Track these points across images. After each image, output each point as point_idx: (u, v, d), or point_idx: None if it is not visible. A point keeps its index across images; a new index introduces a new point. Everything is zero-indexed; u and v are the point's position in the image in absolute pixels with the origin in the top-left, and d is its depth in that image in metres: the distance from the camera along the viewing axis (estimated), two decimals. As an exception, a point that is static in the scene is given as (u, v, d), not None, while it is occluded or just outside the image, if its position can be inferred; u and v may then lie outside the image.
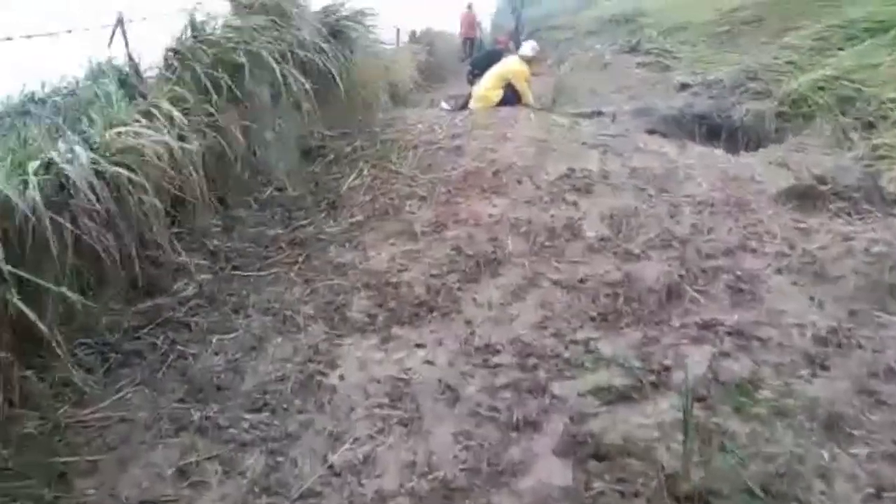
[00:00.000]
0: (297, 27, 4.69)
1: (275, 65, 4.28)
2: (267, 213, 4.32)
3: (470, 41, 20.06)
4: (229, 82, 3.99)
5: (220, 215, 4.12)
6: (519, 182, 4.33)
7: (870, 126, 5.50)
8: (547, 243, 3.73)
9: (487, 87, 7.69)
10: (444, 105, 8.20)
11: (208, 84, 3.90)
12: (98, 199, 2.69)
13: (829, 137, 5.73)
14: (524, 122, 5.19)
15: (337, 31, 5.42)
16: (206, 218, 3.97)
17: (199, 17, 4.22)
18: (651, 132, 6.65)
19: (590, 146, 4.73)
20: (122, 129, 3.21)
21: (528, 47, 8.10)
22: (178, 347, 2.87)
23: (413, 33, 18.78)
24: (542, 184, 4.29)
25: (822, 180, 4.34)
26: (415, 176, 4.58)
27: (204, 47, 3.97)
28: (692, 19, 11.93)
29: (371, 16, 6.14)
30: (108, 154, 3.00)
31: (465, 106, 8.02)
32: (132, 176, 2.99)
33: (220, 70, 3.98)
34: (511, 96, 7.60)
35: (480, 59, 14.27)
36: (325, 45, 5.01)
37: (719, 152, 5.06)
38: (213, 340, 2.93)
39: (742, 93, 7.40)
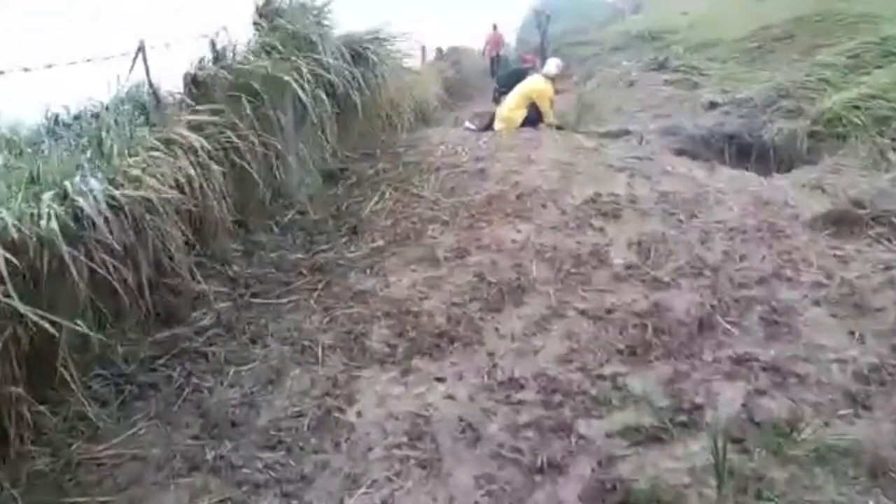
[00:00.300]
0: (319, 51, 4.66)
1: (297, 88, 4.25)
2: (288, 238, 4.29)
3: (496, 59, 20.14)
4: (249, 108, 3.97)
5: (240, 240, 4.10)
6: (543, 206, 4.24)
7: (908, 147, 5.32)
8: (573, 270, 3.62)
9: (511, 107, 7.63)
10: (468, 125, 8.15)
11: (228, 109, 3.88)
12: (111, 232, 2.66)
13: (865, 158, 5.54)
14: (549, 145, 5.10)
15: (359, 53, 5.40)
16: (226, 242, 3.95)
17: (221, 42, 4.21)
18: (679, 152, 6.49)
19: (616, 169, 4.62)
20: (141, 156, 3.19)
21: (552, 64, 8.04)
22: (194, 380, 2.82)
23: (440, 51, 18.86)
24: (567, 208, 4.20)
25: (859, 204, 4.17)
26: (437, 199, 4.52)
27: (225, 73, 3.95)
28: (722, 36, 11.79)
29: (394, 39, 6.14)
30: (125, 183, 2.97)
31: (489, 126, 7.96)
32: (150, 205, 2.96)
33: (241, 95, 3.96)
34: (535, 116, 7.52)
35: (507, 76, 14.22)
36: (347, 69, 4.98)
37: (751, 175, 4.91)
38: (230, 372, 2.87)
39: (773, 111, 7.20)
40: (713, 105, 8.21)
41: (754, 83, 8.59)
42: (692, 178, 4.52)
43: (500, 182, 4.56)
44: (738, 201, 4.23)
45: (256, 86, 4.02)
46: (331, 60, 4.83)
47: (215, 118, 3.81)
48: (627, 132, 7.54)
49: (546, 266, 3.68)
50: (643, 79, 10.69)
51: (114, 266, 2.65)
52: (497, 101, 13.75)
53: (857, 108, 5.99)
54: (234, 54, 4.25)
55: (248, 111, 3.96)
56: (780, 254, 3.68)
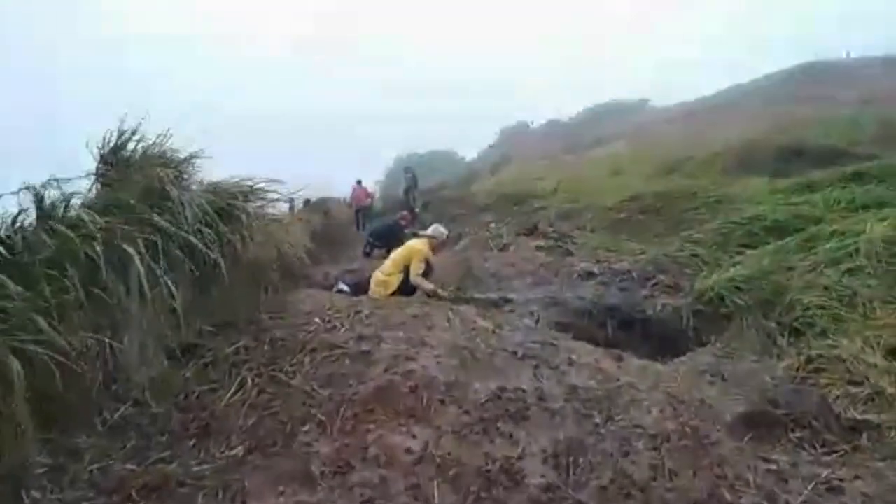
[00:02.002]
0: (176, 208, 3.94)
1: (141, 255, 3.47)
2: (118, 442, 3.32)
3: (363, 211, 20.43)
4: (76, 280, 3.12)
5: (49, 447, 3.10)
6: (442, 403, 3.58)
7: (796, 332, 5.28)
8: (483, 494, 2.94)
9: (387, 271, 7.20)
10: (341, 286, 7.55)
11: (44, 281, 3.01)
12: None
13: (755, 342, 5.46)
14: (442, 324, 4.53)
15: (224, 209, 4.73)
16: (26, 453, 2.93)
17: (51, 195, 3.40)
18: (564, 326, 6.24)
19: (518, 358, 4.09)
20: None
21: (431, 229, 7.79)
22: None
23: (307, 201, 18.67)
24: (469, 407, 3.56)
25: (775, 403, 3.92)
26: (312, 391, 3.73)
27: (46, 236, 3.11)
28: (589, 204, 12.29)
29: (264, 191, 5.55)
30: None
31: (364, 289, 7.43)
32: None
33: (69, 263, 3.11)
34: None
35: (381, 231, 14.06)
36: (208, 230, 4.28)
37: (659, 367, 4.57)
38: None
39: (653, 286, 7.22)
40: (590, 275, 8.19)
41: (627, 254, 8.75)
42: (600, 368, 4.08)
43: (388, 370, 3.86)
44: (653, 399, 3.80)
45: (87, 251, 3.19)
46: (189, 217, 4.12)
47: (26, 292, 2.92)
48: (509, 300, 7.26)
49: (449, 488, 2.97)
50: (516, 243, 10.73)
51: None
52: (369, 254, 13.44)
53: (740, 289, 6.01)
54: (67, 209, 3.43)
55: (74, 281, 3.10)
56: (712, 467, 3.23)
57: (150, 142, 4.22)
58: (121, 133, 4.00)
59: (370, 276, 8.18)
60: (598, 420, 3.55)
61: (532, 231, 11.11)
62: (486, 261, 9.59)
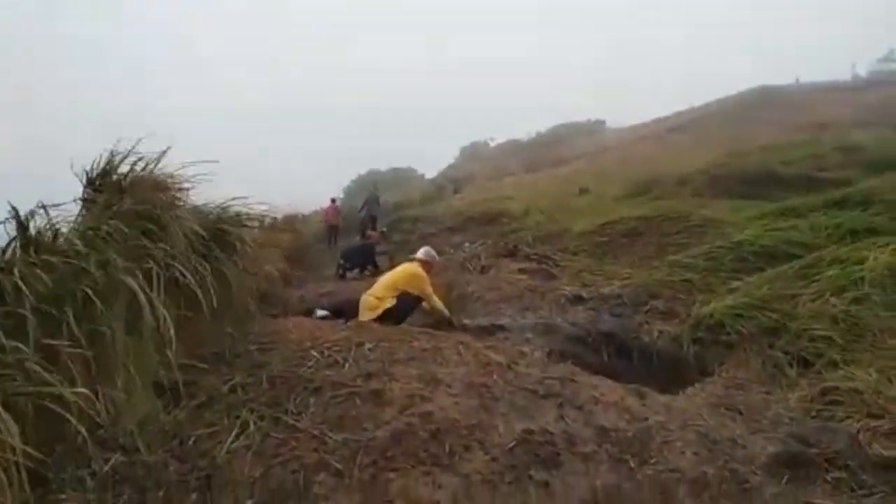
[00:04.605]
0: (170, 235, 3.61)
1: (136, 287, 3.13)
2: (108, 496, 2.96)
3: (334, 229, 20.26)
4: (57, 312, 2.78)
5: (32, 505, 2.73)
6: (467, 449, 3.31)
7: (805, 362, 5.17)
8: (525, 555, 2.69)
9: (379, 294, 6.89)
10: (321, 313, 7.20)
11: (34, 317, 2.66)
12: None
13: (761, 372, 5.33)
14: (453, 358, 4.27)
15: (217, 234, 4.41)
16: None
17: (38, 223, 3.04)
18: (562, 354, 6.03)
19: (540, 395, 3.85)
20: None
21: (423, 252, 7.55)
22: None
23: (274, 219, 18.20)
24: (496, 452, 3.30)
25: (805, 442, 3.76)
26: (323, 435, 3.42)
27: (23, 268, 2.75)
28: (566, 226, 12.16)
29: (252, 214, 5.25)
30: None
31: (342, 311, 7.09)
32: None
33: (60, 300, 2.76)
34: (404, 305, 6.85)
35: (353, 252, 13.74)
36: (201, 256, 3.96)
37: (682, 402, 4.38)
38: None
39: (647, 311, 7.08)
40: (578, 299, 8.05)
41: (614, 278, 8.61)
42: (626, 407, 3.86)
43: (404, 411, 3.58)
44: (685, 440, 3.59)
45: (81, 285, 2.85)
46: (181, 245, 3.80)
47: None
48: (501, 327, 7.05)
49: (487, 548, 2.71)
50: (496, 265, 10.54)
51: None
52: (343, 276, 13.08)
53: (741, 316, 5.89)
54: (56, 238, 3.07)
55: (70, 318, 2.76)
56: (759, 516, 3.04)
57: (143, 163, 3.86)
58: (112, 154, 3.65)
59: (348, 299, 7.94)
60: (632, 464, 3.33)
61: (512, 253, 10.93)
62: (468, 284, 9.36)
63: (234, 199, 5.00)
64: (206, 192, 4.84)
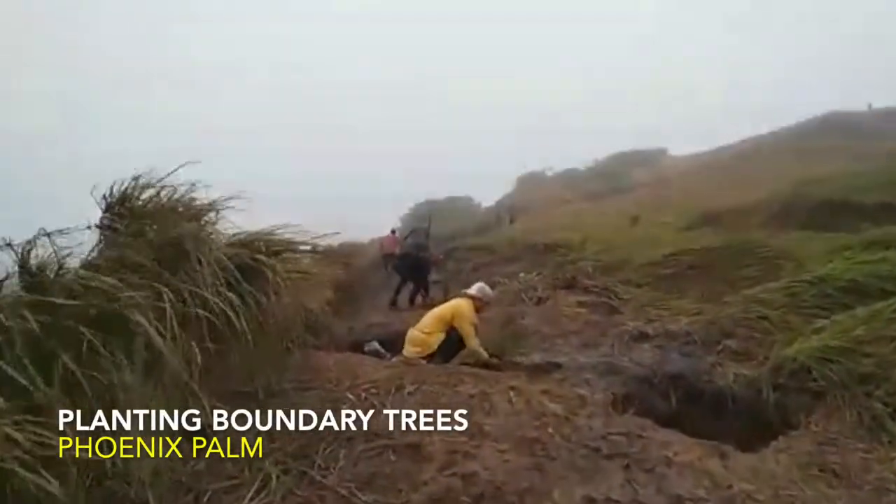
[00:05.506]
0: (195, 267, 3.29)
1: (147, 326, 2.79)
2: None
3: (390, 258, 20.16)
4: (67, 359, 2.45)
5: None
6: (517, 519, 2.84)
7: (909, 417, 4.48)
8: None
9: (427, 329, 6.48)
10: (375, 346, 6.86)
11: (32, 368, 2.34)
12: None
13: (857, 425, 4.65)
14: (503, 407, 3.80)
15: (250, 267, 4.09)
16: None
17: (39, 253, 2.74)
18: (627, 398, 5.50)
19: (603, 455, 3.34)
20: None
21: (476, 288, 7.13)
22: None
23: (329, 247, 18.11)
24: (551, 525, 2.81)
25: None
26: (351, 495, 3.00)
27: (21, 309, 2.44)
28: (626, 257, 11.54)
29: (299, 244, 4.95)
30: None
31: (395, 347, 6.79)
32: None
33: (55, 342, 2.44)
34: (454, 340, 6.44)
35: (406, 262, 13.34)
36: (230, 289, 3.63)
37: (772, 465, 3.78)
38: None
39: (719, 351, 6.44)
40: (643, 336, 7.43)
41: (681, 314, 7.97)
42: (704, 470, 3.31)
43: (444, 469, 3.12)
44: (778, 513, 3.03)
45: (86, 330, 2.53)
46: (209, 278, 3.47)
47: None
48: (558, 365, 6.56)
49: None
50: (553, 297, 10.01)
51: None
52: (394, 303, 12.74)
53: (829, 360, 5.22)
54: (60, 272, 2.77)
55: (61, 366, 2.43)
56: None
57: (167, 190, 3.58)
58: (135, 178, 3.38)
59: (397, 330, 7.61)
60: (716, 545, 2.79)
61: (570, 284, 10.35)
62: (523, 317, 8.85)
63: (278, 226, 4.73)
64: (259, 218, 4.60)
